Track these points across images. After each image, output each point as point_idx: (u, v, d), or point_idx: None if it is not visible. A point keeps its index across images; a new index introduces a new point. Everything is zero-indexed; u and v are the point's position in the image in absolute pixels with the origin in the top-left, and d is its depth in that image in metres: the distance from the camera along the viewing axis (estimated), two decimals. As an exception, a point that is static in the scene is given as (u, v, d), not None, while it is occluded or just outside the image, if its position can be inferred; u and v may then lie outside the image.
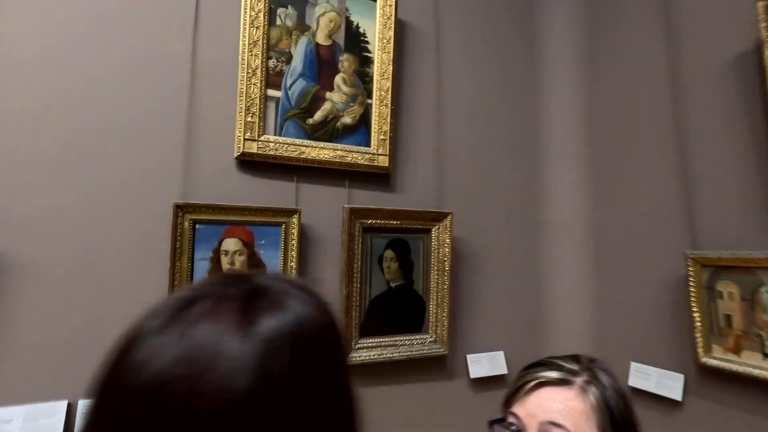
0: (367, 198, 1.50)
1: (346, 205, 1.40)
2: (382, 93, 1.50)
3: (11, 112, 1.11)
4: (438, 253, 1.55)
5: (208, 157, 1.29)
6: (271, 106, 1.36)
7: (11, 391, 1.05)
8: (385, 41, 1.51)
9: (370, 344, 1.44)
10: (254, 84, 1.32)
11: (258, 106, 1.32)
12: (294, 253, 1.34)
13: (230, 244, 1.27)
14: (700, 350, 1.32)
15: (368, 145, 1.48)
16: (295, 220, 1.34)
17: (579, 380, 0.73)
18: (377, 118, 1.49)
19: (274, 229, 1.32)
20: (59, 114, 1.14)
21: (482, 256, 1.68)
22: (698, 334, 1.32)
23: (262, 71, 1.33)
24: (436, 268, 1.55)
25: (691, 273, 1.33)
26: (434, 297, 1.54)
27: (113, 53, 1.21)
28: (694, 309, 1.33)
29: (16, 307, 1.08)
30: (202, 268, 1.23)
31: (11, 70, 1.12)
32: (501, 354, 1.67)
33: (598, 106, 1.73)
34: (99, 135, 1.18)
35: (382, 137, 1.49)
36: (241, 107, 1.30)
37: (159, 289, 1.18)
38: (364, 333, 1.44)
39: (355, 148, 1.45)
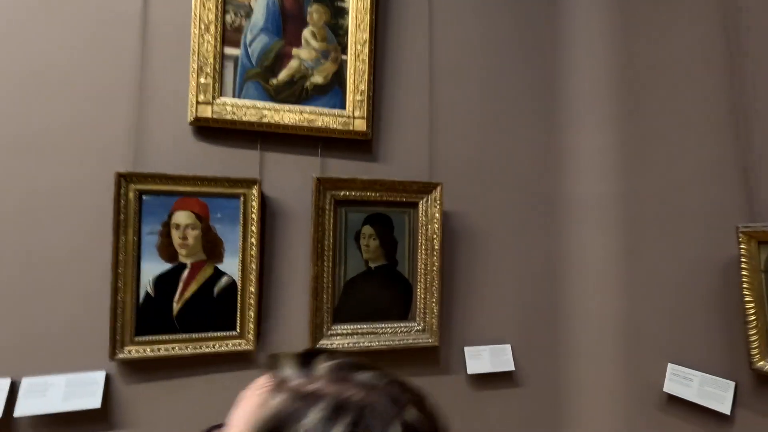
0: (344, 168, 1.33)
1: (314, 175, 1.25)
2: (359, 47, 1.31)
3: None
4: (426, 229, 1.35)
5: (161, 124, 1.19)
6: (229, 65, 1.23)
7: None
8: (361, -13, 1.32)
9: (345, 331, 1.28)
10: (207, 41, 1.19)
11: (212, 66, 1.20)
12: (254, 228, 1.21)
13: (181, 217, 1.16)
14: (755, 352, 1.02)
15: (343, 107, 1.31)
16: (255, 191, 1.21)
17: (291, 385, 0.46)
18: (353, 76, 1.31)
19: (231, 201, 1.20)
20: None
21: (484, 234, 1.45)
22: (753, 331, 1.02)
23: (216, 27, 1.20)
24: (424, 247, 1.35)
25: (744, 252, 1.03)
26: (422, 280, 1.35)
27: (58, 10, 1.13)
28: (748, 298, 1.02)
29: (-39, 280, 1.05)
30: (150, 243, 1.14)
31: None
32: (507, 348, 1.44)
33: (632, 50, 1.42)
34: (41, 99, 1.11)
35: (358, 98, 1.31)
36: (194, 67, 1.19)
37: (102, 264, 1.10)
38: (339, 318, 1.29)
39: (326, 110, 1.29)
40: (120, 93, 1.16)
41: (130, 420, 1.13)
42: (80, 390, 1.07)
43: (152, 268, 1.14)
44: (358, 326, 1.30)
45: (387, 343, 1.30)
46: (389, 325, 1.32)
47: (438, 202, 1.34)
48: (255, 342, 1.20)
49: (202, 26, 1.19)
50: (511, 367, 1.43)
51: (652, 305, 1.31)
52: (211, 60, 1.20)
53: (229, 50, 1.23)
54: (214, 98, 1.20)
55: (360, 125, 1.31)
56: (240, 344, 1.20)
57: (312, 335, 1.24)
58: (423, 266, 1.35)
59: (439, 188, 1.34)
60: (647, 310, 1.32)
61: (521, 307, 1.48)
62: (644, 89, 1.37)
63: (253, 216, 1.21)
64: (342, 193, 1.28)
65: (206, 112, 1.19)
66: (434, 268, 1.34)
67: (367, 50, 1.32)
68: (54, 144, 1.11)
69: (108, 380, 1.12)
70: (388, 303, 1.33)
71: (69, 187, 1.11)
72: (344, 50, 1.31)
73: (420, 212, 1.35)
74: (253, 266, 1.21)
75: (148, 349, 1.12)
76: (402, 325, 1.33)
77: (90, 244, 1.11)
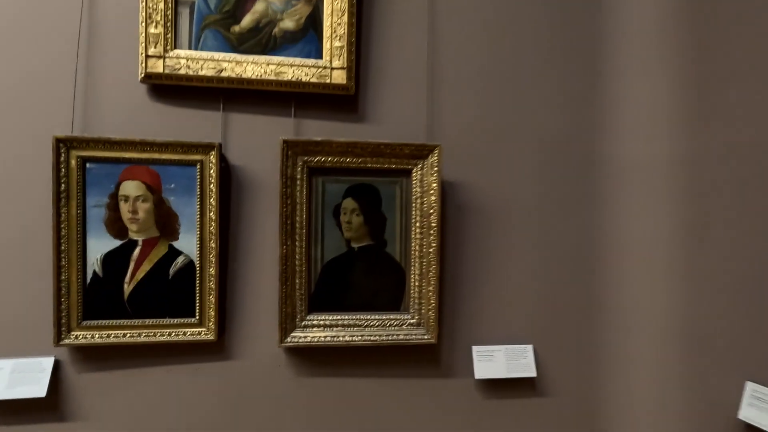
0: (323, 129, 1.12)
1: (281, 137, 1.05)
2: (337, -19, 1.09)
3: None
4: (421, 203, 1.11)
5: (110, 83, 1.05)
6: (184, 12, 1.06)
7: None
8: None
9: (322, 322, 1.09)
10: (156, -16, 1.03)
11: (163, 13, 1.03)
12: (213, 201, 1.04)
13: (130, 187, 1.02)
14: None
15: (319, 56, 1.09)
16: (212, 157, 1.04)
17: None
18: (330, 18, 1.09)
19: (187, 169, 1.04)
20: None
21: (499, 208, 1.18)
22: None
23: (167, -34, 1.04)
24: (418, 224, 1.11)
25: None
26: (417, 264, 1.11)
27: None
28: None
29: None
30: (96, 217, 1.01)
31: None
32: (528, 349, 1.17)
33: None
34: None
35: (337, 44, 1.09)
36: (143, 16, 1.03)
37: (43, 241, 0.99)
38: (316, 307, 1.10)
39: (298, 61, 1.08)
40: (63, 47, 1.03)
41: (81, 411, 1.03)
42: (26, 377, 0.98)
43: (99, 245, 1.02)
44: (339, 317, 1.10)
45: (373, 337, 1.09)
46: (376, 317, 1.11)
47: (435, 168, 1.09)
48: (216, 331, 1.05)
49: (151, -34, 1.03)
50: (533, 373, 1.16)
51: (723, 302, 0.97)
52: (161, 6, 1.03)
53: (184, -6, 1.06)
54: (166, 51, 1.04)
55: (339, 77, 1.09)
56: (200, 333, 1.05)
57: (282, 325, 1.06)
58: (418, 247, 1.11)
59: (436, 151, 1.09)
60: (717, 309, 0.99)
61: (547, 298, 1.19)
62: (713, 17, 1.00)
63: (212, 187, 1.04)
64: (316, 159, 1.07)
65: (157, 66, 1.04)
66: (431, 250, 1.10)
67: (346, -15, 1.08)
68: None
69: (58, 367, 1.02)
70: (374, 291, 1.12)
71: (5, 155, 1.01)
72: (320, -13, 1.09)
73: (414, 182, 1.11)
74: (213, 245, 1.04)
75: (97, 335, 1.01)
76: (392, 316, 1.11)
77: (33, 219, 1.01)
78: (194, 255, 1.05)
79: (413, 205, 1.11)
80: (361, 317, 1.10)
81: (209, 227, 1.04)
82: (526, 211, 1.19)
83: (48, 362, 1.01)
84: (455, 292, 1.16)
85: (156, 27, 1.03)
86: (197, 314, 1.05)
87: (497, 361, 1.16)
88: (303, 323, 1.08)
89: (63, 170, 0.98)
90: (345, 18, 1.09)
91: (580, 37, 1.21)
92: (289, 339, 1.07)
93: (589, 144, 1.21)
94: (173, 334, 1.04)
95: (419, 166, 1.10)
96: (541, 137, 1.19)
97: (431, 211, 1.10)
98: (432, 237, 1.10)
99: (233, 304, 1.09)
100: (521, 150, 1.19)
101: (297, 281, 1.08)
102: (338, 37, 1.09)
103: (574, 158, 1.20)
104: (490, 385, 1.17)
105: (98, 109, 1.05)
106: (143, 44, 1.03)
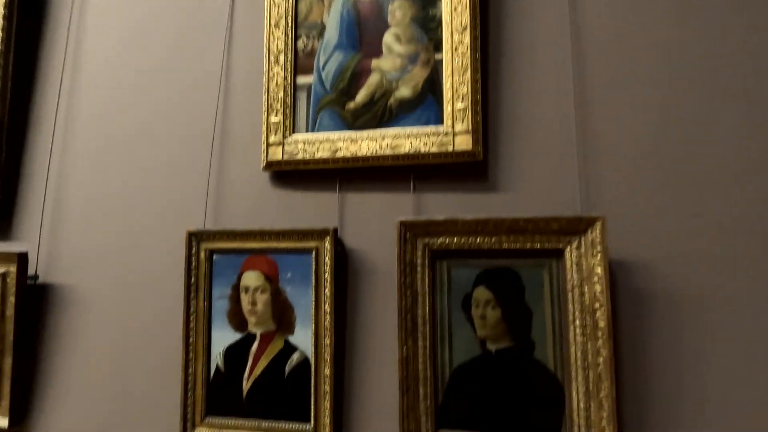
0: (449, 203, 0.96)
1: (397, 219, 0.91)
2: (456, 36, 0.95)
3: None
4: (580, 293, 0.83)
5: (237, 174, 1.08)
6: (302, 97, 1.04)
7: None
8: (455, -43, 0.97)
9: (454, 445, 0.86)
10: (277, 74, 1.04)
11: (282, 101, 1.03)
12: (328, 292, 0.94)
13: (250, 278, 0.99)
14: None
15: (439, 121, 0.95)
16: (327, 243, 0.95)
17: None
18: (450, 78, 0.95)
19: (302, 257, 0.97)
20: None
21: (701, 298, 0.82)
22: None
23: (286, 56, 1.04)
24: (578, 321, 0.83)
25: None
26: (578, 377, 0.82)
27: (149, 70, 1.17)
28: None
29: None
30: (220, 309, 1.00)
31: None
32: None
33: None
34: (128, 155, 1.14)
35: (459, 106, 0.94)
36: (265, 107, 1.04)
37: (171, 333, 1.02)
38: (446, 422, 0.88)
39: (415, 130, 0.96)
40: (198, 146, 1.10)
41: None
42: (157, 472, 0.98)
43: (222, 337, 1.00)
44: (475, 441, 0.86)
45: (522, 476, 0.82)
46: (525, 447, 0.84)
47: (598, 248, 0.81)
48: (332, 442, 0.91)
49: (272, 58, 1.05)
50: None
51: None
52: (281, 94, 1.03)
53: (303, 79, 1.04)
54: (285, 137, 1.03)
55: (464, 143, 0.92)
56: (315, 443, 0.92)
57: (404, 446, 0.87)
58: (579, 354, 0.82)
59: (598, 226, 0.81)
60: None
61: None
62: None
63: (326, 276, 0.95)
64: (440, 241, 0.90)
65: (277, 154, 1.02)
66: (600, 360, 0.80)
67: (468, 39, 0.94)
68: (139, 206, 1.12)
69: (184, 464, 1.00)
70: (522, 409, 0.85)
71: (142, 249, 1.09)
72: (438, 47, 0.97)
73: (568, 265, 0.84)
74: (327, 341, 0.93)
75: (218, 435, 0.97)
76: (548, 448, 0.83)
77: (163, 311, 1.05)
78: (309, 352, 0.95)
79: (569, 296, 0.84)
80: (505, 444, 0.85)
81: (324, 321, 0.94)
82: (754, 297, 0.80)
83: (175, 459, 0.99)
84: (645, 420, 0.82)
85: (276, 115, 1.03)
86: (312, 420, 0.93)
87: None
88: (430, 445, 0.87)
89: (194, 263, 1.01)
90: (468, 75, 0.94)
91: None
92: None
93: None
94: (288, 440, 0.94)
95: (574, 244, 0.84)
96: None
97: (596, 305, 0.81)
98: (600, 342, 0.80)
99: (350, 411, 0.95)
100: (735, 206, 0.83)
101: (421, 390, 0.88)
102: (460, 98, 0.94)
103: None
104: None
105: (225, 200, 1.07)
106: (265, 133, 1.03)
